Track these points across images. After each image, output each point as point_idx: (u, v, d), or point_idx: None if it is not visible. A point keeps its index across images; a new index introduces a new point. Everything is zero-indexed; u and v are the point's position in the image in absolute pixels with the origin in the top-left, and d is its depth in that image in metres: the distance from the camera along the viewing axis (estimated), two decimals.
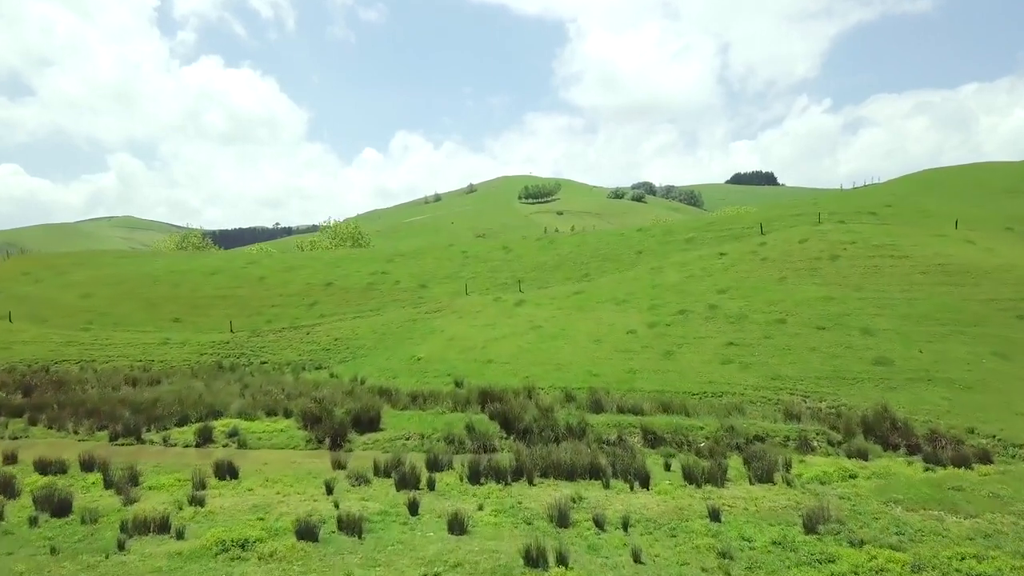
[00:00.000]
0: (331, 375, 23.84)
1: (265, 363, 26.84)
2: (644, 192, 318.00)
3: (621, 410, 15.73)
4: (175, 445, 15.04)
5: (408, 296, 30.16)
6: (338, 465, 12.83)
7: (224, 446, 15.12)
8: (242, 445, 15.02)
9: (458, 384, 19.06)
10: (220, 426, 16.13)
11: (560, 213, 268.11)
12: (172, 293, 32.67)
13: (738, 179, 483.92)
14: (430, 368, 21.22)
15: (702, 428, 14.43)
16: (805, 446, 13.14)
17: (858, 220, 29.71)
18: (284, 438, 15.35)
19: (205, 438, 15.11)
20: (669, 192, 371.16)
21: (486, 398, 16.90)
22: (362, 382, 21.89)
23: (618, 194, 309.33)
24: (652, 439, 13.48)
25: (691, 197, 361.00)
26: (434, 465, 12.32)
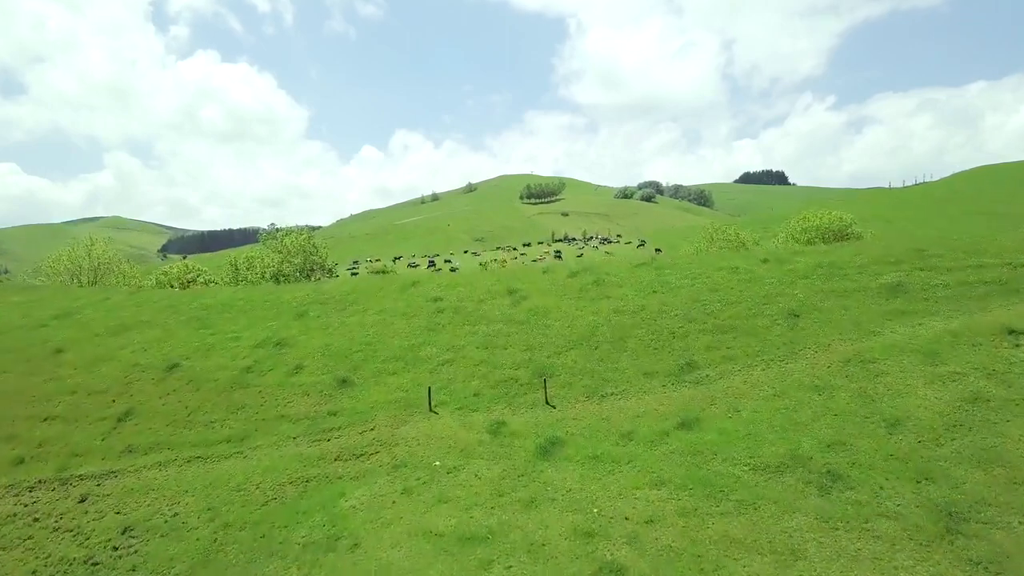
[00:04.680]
0: None
1: None
2: (653, 192, 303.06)
3: None
4: None
5: (309, 406, 13.96)
6: None
7: None
8: None
9: None
10: None
11: (565, 214, 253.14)
12: None
13: (747, 178, 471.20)
14: None
15: None
16: None
17: None
18: None
19: None
20: (677, 192, 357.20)
21: None
22: None
23: (626, 194, 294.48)
24: None
25: (701, 197, 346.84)
26: None
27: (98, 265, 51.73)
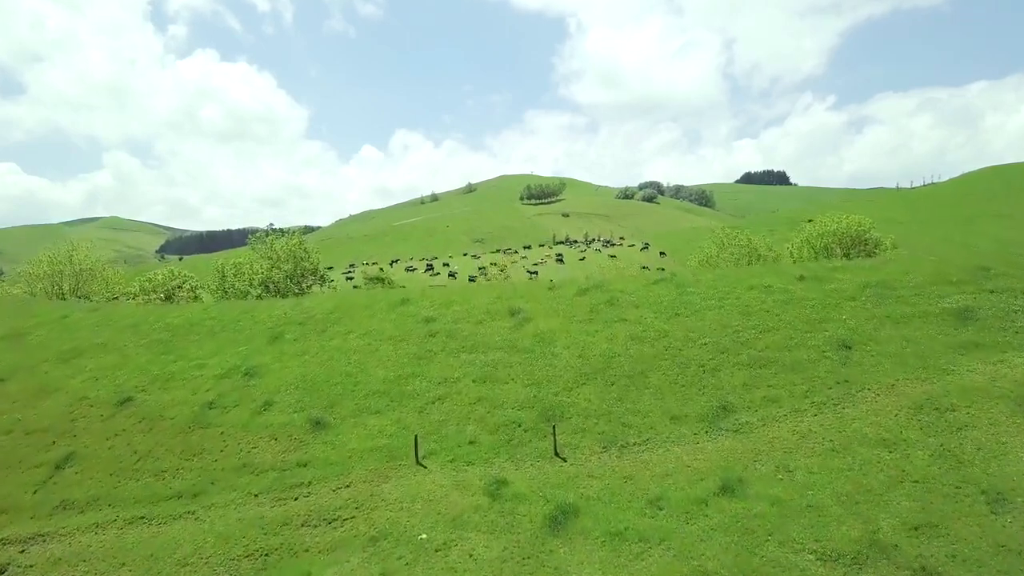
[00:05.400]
0: None
1: None
2: (654, 192, 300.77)
3: None
4: None
5: (276, 454, 11.72)
6: None
7: None
8: None
9: None
10: None
11: (566, 215, 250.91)
12: None
13: (748, 178, 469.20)
14: None
15: None
16: None
17: None
18: None
19: None
20: (678, 192, 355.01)
21: None
22: None
23: (627, 194, 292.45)
24: None
25: (702, 197, 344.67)
26: None
27: (80, 271, 49.53)
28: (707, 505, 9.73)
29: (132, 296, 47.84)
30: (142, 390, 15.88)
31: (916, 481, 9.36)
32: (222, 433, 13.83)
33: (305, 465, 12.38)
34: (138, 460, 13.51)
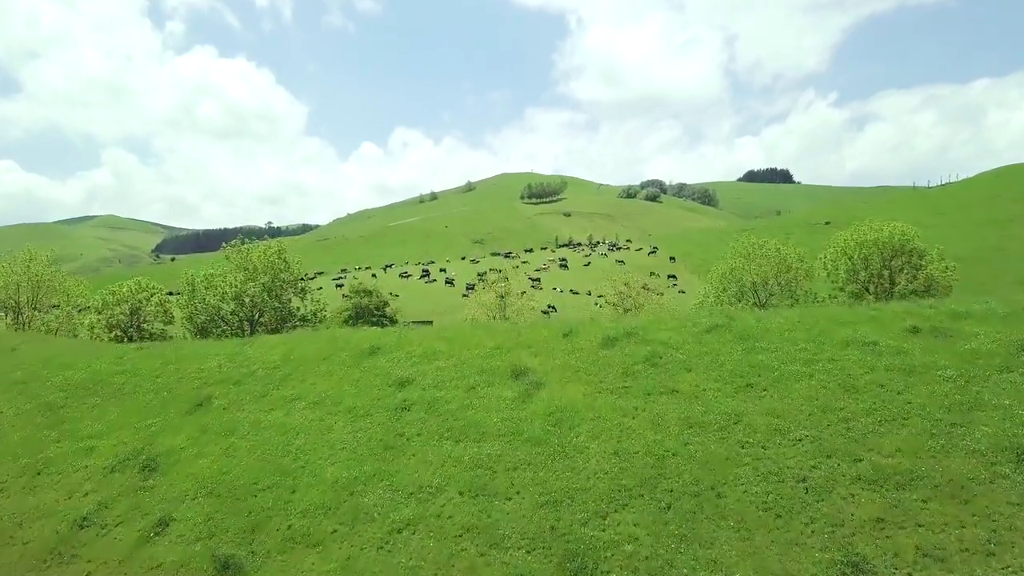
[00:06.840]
0: None
1: None
2: (657, 191, 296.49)
3: None
4: None
5: None
6: None
7: None
8: None
9: None
10: None
11: (567, 215, 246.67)
12: None
13: (751, 176, 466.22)
14: None
15: None
16: None
17: None
18: None
19: None
20: (681, 190, 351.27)
21: None
22: None
23: (630, 193, 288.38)
24: None
25: (705, 196, 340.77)
26: None
27: (37, 283, 45.34)
28: None
29: (97, 311, 43.73)
30: (0, 490, 11.48)
31: None
32: (88, 574, 9.43)
33: None
34: None
